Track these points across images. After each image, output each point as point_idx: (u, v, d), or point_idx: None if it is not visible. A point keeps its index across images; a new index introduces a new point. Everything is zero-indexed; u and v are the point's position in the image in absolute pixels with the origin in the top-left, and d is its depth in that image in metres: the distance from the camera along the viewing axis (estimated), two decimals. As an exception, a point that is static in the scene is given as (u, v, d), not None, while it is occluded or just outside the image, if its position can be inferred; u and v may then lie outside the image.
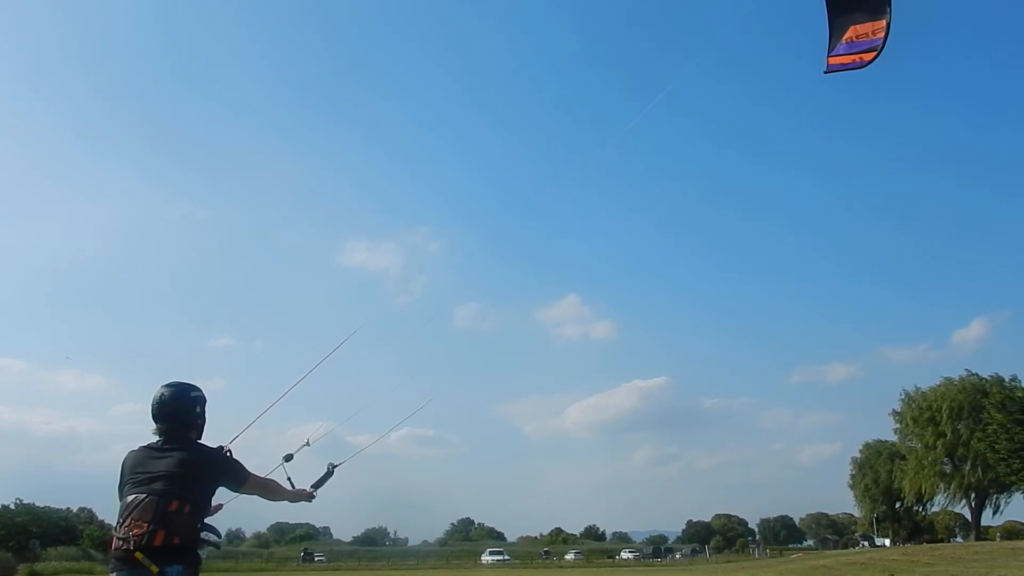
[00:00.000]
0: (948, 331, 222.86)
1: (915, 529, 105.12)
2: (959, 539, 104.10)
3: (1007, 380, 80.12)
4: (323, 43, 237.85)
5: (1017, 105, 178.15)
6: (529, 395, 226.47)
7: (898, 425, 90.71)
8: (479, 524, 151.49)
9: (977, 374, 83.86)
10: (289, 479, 5.76)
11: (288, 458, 6.03)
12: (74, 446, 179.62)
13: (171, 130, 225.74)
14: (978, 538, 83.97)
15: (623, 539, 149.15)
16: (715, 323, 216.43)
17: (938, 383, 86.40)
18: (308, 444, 6.26)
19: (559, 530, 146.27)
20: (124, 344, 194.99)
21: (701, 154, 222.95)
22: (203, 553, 4.86)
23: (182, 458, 4.81)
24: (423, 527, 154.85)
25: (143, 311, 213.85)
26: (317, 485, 6.10)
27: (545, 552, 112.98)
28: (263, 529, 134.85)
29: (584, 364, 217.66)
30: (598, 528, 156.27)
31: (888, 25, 7.86)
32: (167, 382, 5.18)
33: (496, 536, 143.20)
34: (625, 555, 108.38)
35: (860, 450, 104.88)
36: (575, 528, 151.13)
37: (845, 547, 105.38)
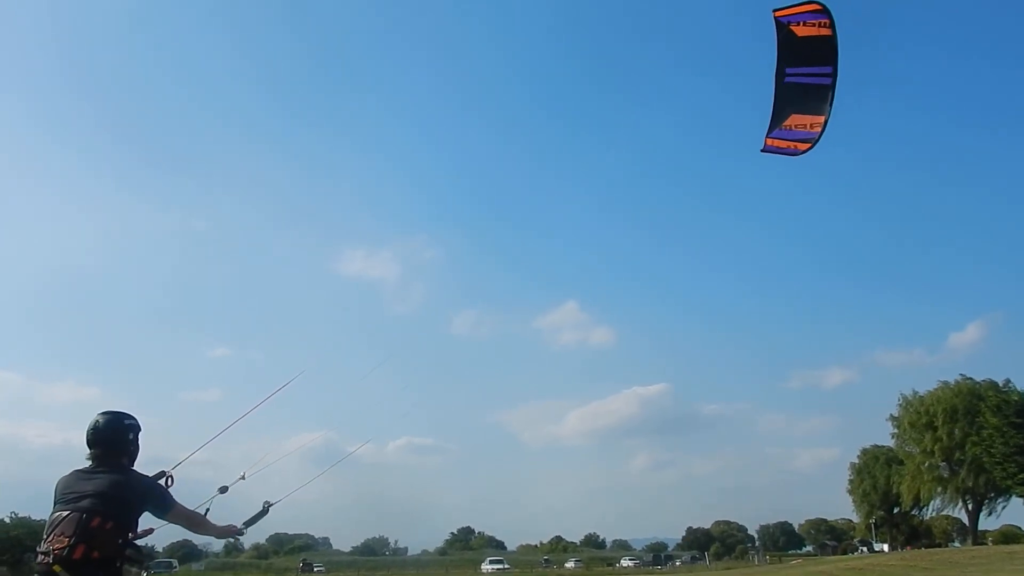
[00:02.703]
0: (944, 334, 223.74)
1: (913, 534, 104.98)
2: (956, 544, 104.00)
3: (1001, 384, 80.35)
4: (319, 53, 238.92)
5: (1012, 106, 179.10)
6: (528, 402, 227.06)
7: (895, 430, 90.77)
8: (479, 533, 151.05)
9: (972, 379, 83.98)
10: (207, 510, 5.87)
11: (223, 490, 6.16)
12: (70, 458, 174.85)
13: (165, 141, 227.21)
14: (975, 542, 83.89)
15: (623, 547, 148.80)
16: (713, 328, 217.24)
17: (934, 388, 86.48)
18: (244, 478, 6.41)
19: (559, 538, 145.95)
20: (120, 355, 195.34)
21: (698, 160, 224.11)
22: (145, 570, 4.96)
23: (110, 480, 4.95)
24: (423, 536, 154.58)
25: (139, 322, 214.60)
26: (249, 523, 6.22)
27: (545, 560, 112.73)
28: (262, 540, 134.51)
29: (583, 371, 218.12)
30: (598, 536, 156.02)
31: (826, 122, 8.31)
32: (103, 410, 5.29)
33: (496, 545, 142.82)
34: (625, 563, 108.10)
35: (858, 455, 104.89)
36: (575, 536, 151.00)
37: (844, 552, 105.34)
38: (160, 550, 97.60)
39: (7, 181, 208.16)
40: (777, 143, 8.65)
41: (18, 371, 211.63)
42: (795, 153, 8.59)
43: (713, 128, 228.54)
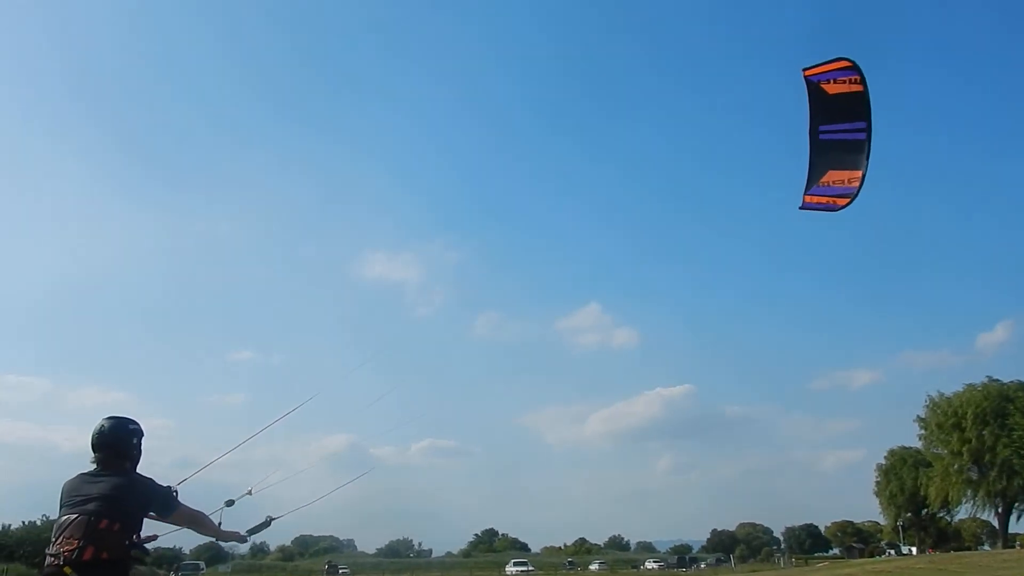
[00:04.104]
0: (972, 335, 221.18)
1: (941, 536, 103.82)
2: (986, 547, 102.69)
3: (1030, 386, 79.42)
4: (336, 68, 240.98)
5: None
6: (550, 404, 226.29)
7: (923, 431, 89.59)
8: (503, 535, 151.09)
9: (999, 380, 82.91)
10: (219, 523, 6.06)
11: (230, 503, 6.35)
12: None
13: (183, 153, 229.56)
14: (1006, 545, 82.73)
15: (647, 549, 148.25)
16: (737, 329, 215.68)
17: (962, 389, 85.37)
18: (250, 493, 6.60)
19: (583, 540, 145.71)
20: (146, 360, 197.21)
21: (722, 165, 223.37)
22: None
23: (115, 483, 5.11)
24: (447, 538, 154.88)
25: (164, 327, 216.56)
26: (252, 531, 6.45)
27: (569, 562, 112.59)
28: (287, 542, 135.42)
29: (606, 372, 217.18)
30: (622, 538, 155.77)
31: (863, 176, 8.36)
32: (108, 415, 5.48)
33: (520, 547, 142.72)
34: (649, 565, 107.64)
35: (885, 457, 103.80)
36: (599, 538, 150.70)
37: (871, 555, 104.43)
38: (188, 552, 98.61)
39: (33, 189, 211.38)
40: (816, 199, 8.73)
41: (46, 376, 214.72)
42: (834, 208, 8.67)
43: (730, 140, 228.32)
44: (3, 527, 77.63)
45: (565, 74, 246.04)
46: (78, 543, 4.77)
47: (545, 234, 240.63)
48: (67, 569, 4.72)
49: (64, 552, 4.77)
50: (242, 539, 6.34)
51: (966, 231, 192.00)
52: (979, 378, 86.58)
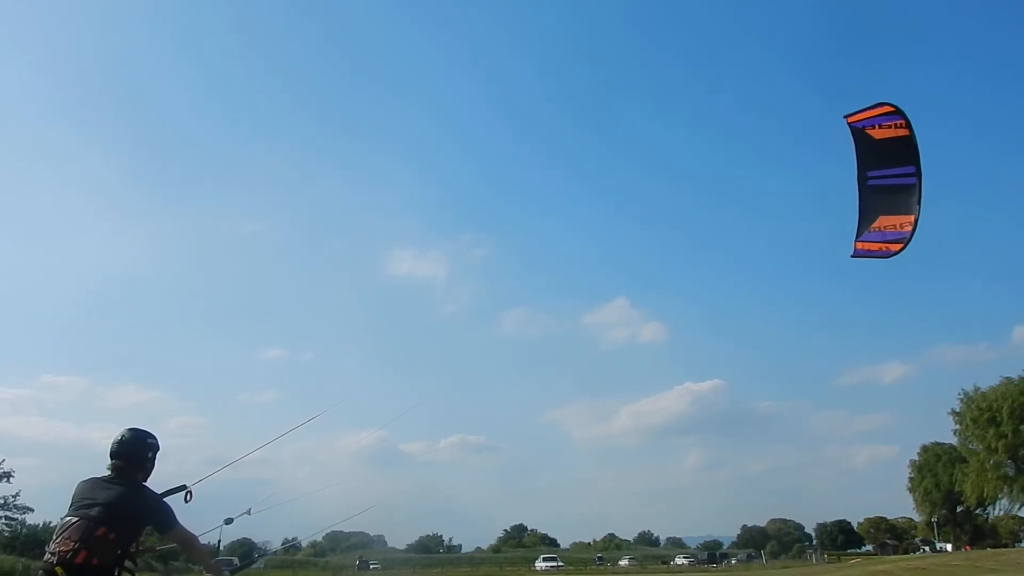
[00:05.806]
0: (1008, 327, 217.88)
1: (977, 533, 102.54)
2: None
3: (1068, 379, 77.99)
4: (364, 66, 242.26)
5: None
6: (578, 400, 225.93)
7: (958, 426, 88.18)
8: (532, 530, 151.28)
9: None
10: (219, 540, 6.20)
11: (228, 521, 6.47)
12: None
13: (212, 154, 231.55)
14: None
15: (677, 544, 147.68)
16: (766, 324, 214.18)
17: (998, 382, 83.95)
18: (249, 513, 6.74)
19: (612, 536, 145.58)
20: (180, 358, 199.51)
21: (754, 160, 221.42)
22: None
23: (122, 493, 5.32)
24: (476, 534, 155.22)
25: (197, 325, 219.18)
26: (235, 571, 6.53)
27: (599, 558, 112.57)
28: (319, 538, 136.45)
29: (634, 367, 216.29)
30: (652, 533, 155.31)
31: (916, 220, 8.27)
32: (131, 427, 5.70)
33: (549, 542, 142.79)
34: (679, 561, 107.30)
35: (918, 453, 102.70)
36: (628, 534, 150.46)
37: (905, 552, 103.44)
38: (222, 548, 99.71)
39: (67, 191, 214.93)
40: (868, 246, 8.68)
41: (83, 375, 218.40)
42: (887, 254, 8.60)
43: (757, 137, 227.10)
44: (42, 524, 78.89)
45: (591, 70, 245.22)
46: (73, 545, 4.99)
47: (572, 229, 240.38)
48: (58, 569, 4.95)
49: (60, 551, 4.99)
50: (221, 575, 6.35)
51: (998, 225, 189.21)
52: (1015, 371, 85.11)
